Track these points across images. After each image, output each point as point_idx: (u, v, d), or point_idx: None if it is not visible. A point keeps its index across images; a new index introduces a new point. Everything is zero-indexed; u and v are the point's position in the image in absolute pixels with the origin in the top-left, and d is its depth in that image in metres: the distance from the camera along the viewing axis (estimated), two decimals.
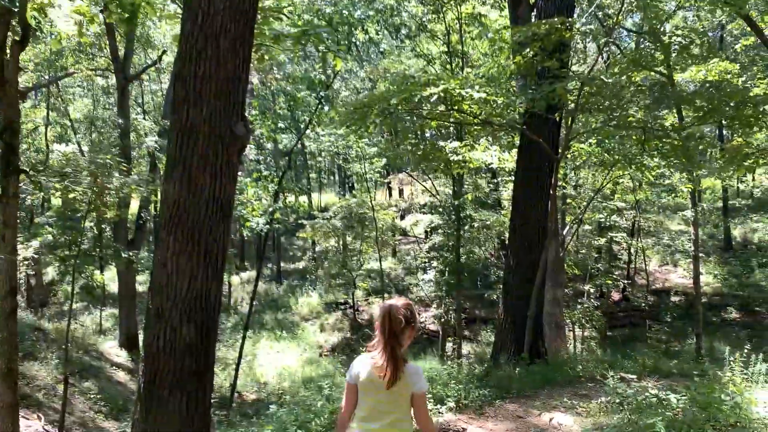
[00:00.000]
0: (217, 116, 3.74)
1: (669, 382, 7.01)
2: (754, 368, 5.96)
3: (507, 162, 11.42)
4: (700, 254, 23.70)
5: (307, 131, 19.46)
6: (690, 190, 13.91)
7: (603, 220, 12.84)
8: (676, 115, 11.25)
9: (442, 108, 7.22)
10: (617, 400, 5.57)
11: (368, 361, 3.09)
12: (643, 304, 18.36)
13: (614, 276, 19.93)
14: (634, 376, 6.93)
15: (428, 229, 23.28)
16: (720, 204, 26.91)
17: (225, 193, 3.81)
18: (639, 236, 17.79)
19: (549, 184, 8.33)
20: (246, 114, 3.94)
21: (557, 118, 8.01)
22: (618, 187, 16.35)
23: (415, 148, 8.62)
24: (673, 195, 23.44)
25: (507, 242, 8.96)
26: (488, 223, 15.76)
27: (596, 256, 20.94)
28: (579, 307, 15.61)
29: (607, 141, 9.72)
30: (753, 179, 28.84)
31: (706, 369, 7.66)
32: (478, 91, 6.65)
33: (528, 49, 7.27)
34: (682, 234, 23.51)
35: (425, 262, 19.42)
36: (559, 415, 6.17)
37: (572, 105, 7.39)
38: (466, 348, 22.21)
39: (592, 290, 16.70)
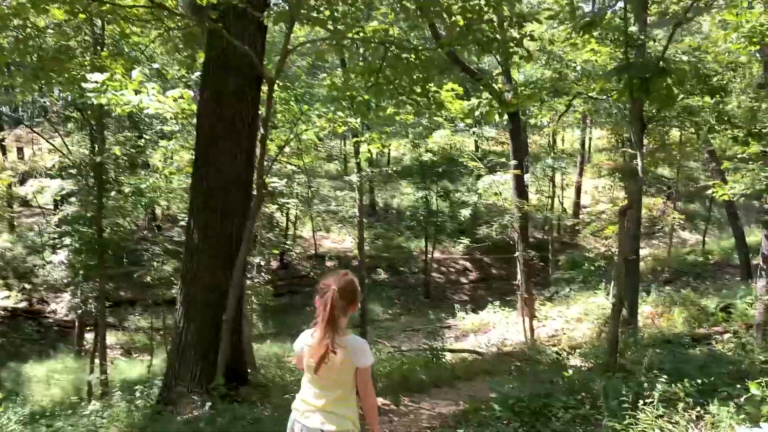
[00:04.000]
0: None
1: (438, 404, 5.64)
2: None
3: (167, 107, 8.74)
4: (353, 219, 24.43)
5: None
6: (364, 156, 13.25)
7: (282, 185, 11.21)
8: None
9: None
10: None
11: (311, 337, 3.05)
12: (311, 272, 17.62)
13: (286, 245, 18.83)
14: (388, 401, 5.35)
15: (58, 198, 18.79)
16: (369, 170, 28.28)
17: None
18: (309, 203, 16.96)
19: (256, 117, 5.97)
20: None
21: (263, 21, 5.50)
22: (283, 150, 15.01)
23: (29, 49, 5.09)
24: (336, 161, 23.47)
25: (189, 208, 6.05)
26: (142, 187, 12.74)
27: (258, 224, 19.52)
28: (248, 282, 13.82)
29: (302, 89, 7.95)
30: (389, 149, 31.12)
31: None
32: None
33: None
34: (344, 201, 23.73)
35: (55, 239, 15.32)
36: None
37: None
38: (111, 338, 18.78)
39: (262, 262, 15.13)
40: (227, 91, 5.70)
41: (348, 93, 6.06)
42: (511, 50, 4.50)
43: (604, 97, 11.39)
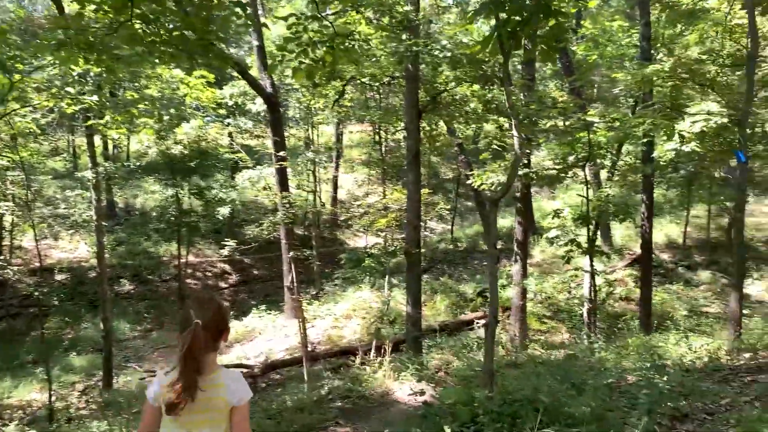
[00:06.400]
0: None
1: None
2: None
3: None
4: (89, 223, 21.01)
5: None
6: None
7: None
8: None
9: None
10: None
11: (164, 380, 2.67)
12: (35, 290, 14.46)
13: None
14: None
15: None
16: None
17: None
18: (29, 206, 13.59)
19: None
20: None
21: None
22: None
23: None
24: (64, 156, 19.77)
25: None
26: None
27: None
28: None
29: None
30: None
31: None
32: None
33: None
34: (76, 202, 20.18)
35: None
36: None
37: None
38: None
39: None
40: None
41: (82, 38, 4.13)
42: None
43: (376, 84, 10.79)
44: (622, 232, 20.44)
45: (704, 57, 9.58)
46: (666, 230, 20.41)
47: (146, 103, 11.73)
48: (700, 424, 4.03)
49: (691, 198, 19.38)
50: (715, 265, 18.05)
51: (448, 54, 8.43)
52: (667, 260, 18.71)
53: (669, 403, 4.17)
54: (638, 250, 18.45)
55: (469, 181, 14.09)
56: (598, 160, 12.80)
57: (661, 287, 15.99)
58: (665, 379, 4.45)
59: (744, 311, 12.39)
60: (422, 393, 6.21)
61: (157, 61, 4.13)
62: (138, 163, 21.93)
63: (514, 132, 5.16)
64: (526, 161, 12.79)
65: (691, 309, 15.04)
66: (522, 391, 4.32)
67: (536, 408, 3.81)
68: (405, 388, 6.92)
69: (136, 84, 15.14)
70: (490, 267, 5.73)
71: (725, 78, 9.78)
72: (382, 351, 8.73)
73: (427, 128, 15.25)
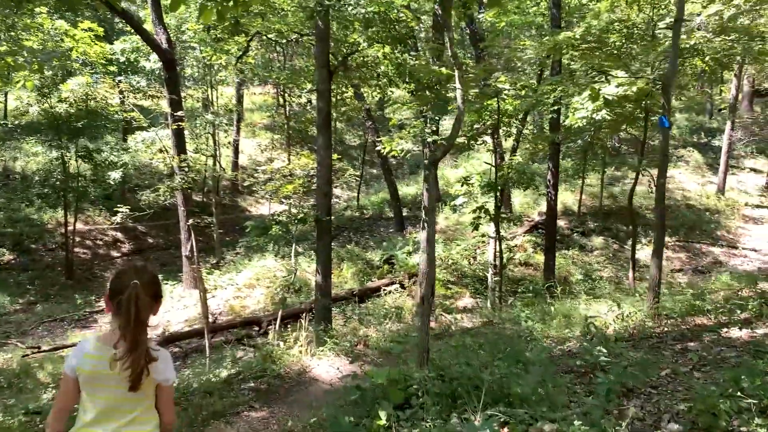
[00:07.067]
0: None
1: None
2: None
3: None
4: None
5: None
6: None
7: None
8: None
9: None
10: None
11: (99, 350, 2.48)
12: None
13: None
14: None
15: None
16: None
17: None
18: None
19: None
20: None
21: None
22: None
23: None
24: None
25: None
26: None
27: None
28: None
29: None
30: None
31: None
32: None
33: None
34: None
35: None
36: None
37: None
38: None
39: None
40: None
41: None
42: None
43: (282, 42, 10.24)
44: (520, 199, 21.03)
45: (611, 27, 9.77)
46: (562, 198, 21.18)
47: (25, 53, 10.54)
48: (648, 399, 4.04)
49: (586, 167, 20.20)
50: (607, 232, 18.99)
51: (362, 11, 8.05)
52: (563, 227, 19.44)
53: (618, 379, 4.13)
54: (536, 217, 19.14)
55: (378, 148, 13.84)
56: (505, 129, 12.95)
57: (558, 252, 16.60)
58: (605, 350, 4.45)
59: (635, 275, 13.10)
60: (355, 376, 5.91)
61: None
62: (17, 122, 20.02)
63: (457, 84, 4.93)
64: (434, 128, 12.70)
65: (586, 273, 15.72)
66: (457, 368, 4.12)
67: (477, 386, 3.62)
68: (323, 365, 6.59)
69: (12, 34, 13.64)
70: (428, 233, 5.50)
71: (630, 48, 10.04)
72: (298, 324, 8.37)
73: (335, 92, 14.78)
